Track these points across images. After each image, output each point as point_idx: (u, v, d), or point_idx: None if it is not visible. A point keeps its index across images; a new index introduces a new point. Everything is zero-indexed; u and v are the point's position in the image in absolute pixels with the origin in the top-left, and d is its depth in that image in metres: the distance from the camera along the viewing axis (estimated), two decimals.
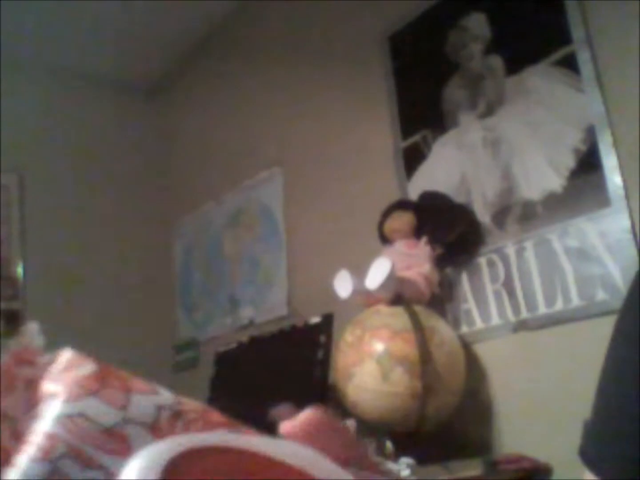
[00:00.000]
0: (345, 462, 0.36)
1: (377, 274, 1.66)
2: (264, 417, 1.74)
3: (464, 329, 1.84)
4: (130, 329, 3.00)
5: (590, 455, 0.54)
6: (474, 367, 1.78)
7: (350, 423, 1.56)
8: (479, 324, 1.82)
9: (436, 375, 1.61)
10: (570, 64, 1.67)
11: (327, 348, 1.85)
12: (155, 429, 0.40)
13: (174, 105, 3.29)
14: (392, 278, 1.66)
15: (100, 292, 3.01)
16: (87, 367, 0.42)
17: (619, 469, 0.51)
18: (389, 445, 1.53)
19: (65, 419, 0.41)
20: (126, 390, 0.41)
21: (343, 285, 1.73)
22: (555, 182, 1.68)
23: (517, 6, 1.81)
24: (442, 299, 1.87)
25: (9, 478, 0.36)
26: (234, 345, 2.33)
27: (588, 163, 1.62)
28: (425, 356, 1.59)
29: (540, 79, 1.74)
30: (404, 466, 1.41)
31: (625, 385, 0.53)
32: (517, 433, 1.71)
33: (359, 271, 1.73)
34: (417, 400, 1.58)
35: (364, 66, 2.25)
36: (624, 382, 0.54)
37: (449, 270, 1.88)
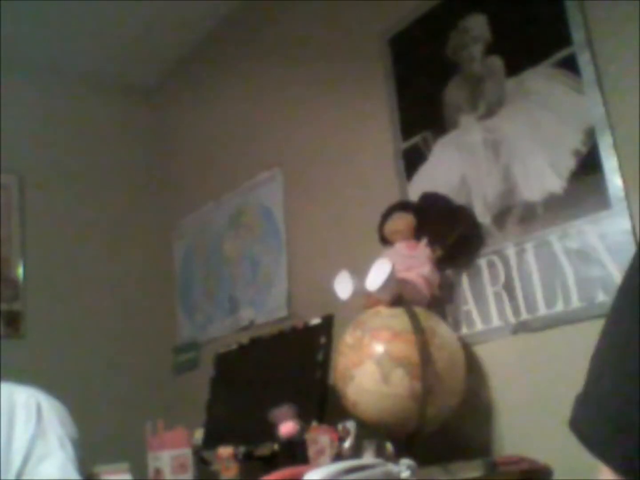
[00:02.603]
0: None
1: (377, 275, 1.66)
2: (264, 419, 1.74)
3: (464, 330, 1.84)
4: (130, 331, 3.00)
5: (582, 426, 0.54)
6: (474, 368, 1.78)
7: (350, 424, 1.56)
8: (479, 325, 1.82)
9: (436, 377, 1.61)
10: (570, 65, 1.67)
11: (327, 349, 1.85)
12: None
13: (174, 105, 3.29)
14: (392, 279, 1.66)
15: (100, 293, 3.01)
16: None
17: (615, 443, 0.51)
18: (389, 446, 1.52)
19: None
20: None
21: (343, 286, 1.73)
22: (555, 183, 1.69)
23: (518, 8, 1.81)
24: (442, 300, 1.87)
25: None
26: (234, 346, 2.33)
27: (588, 165, 1.62)
28: (425, 358, 1.59)
29: (540, 80, 1.74)
30: (404, 467, 1.41)
31: (624, 358, 0.53)
32: (517, 434, 1.71)
33: (359, 272, 1.73)
34: (417, 401, 1.58)
35: (365, 67, 2.25)
36: (622, 351, 0.54)
37: (449, 271, 1.88)
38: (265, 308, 2.56)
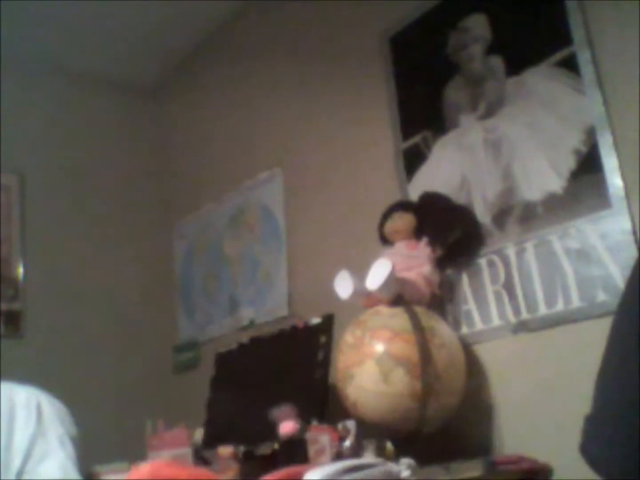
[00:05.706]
0: None
1: (377, 274, 1.67)
2: (264, 418, 1.74)
3: (464, 329, 1.84)
4: (130, 330, 3.00)
5: (592, 452, 0.54)
6: (474, 368, 1.78)
7: (351, 424, 1.56)
8: (479, 325, 1.82)
9: (436, 376, 1.61)
10: (570, 65, 1.68)
11: (328, 349, 1.85)
12: None
13: (174, 105, 3.29)
14: (392, 279, 1.66)
15: (101, 292, 3.00)
16: None
17: (622, 468, 0.51)
18: (389, 446, 1.53)
19: None
20: None
21: (343, 285, 1.73)
22: (555, 183, 1.69)
23: (518, 7, 1.81)
24: (442, 300, 1.87)
25: None
26: (234, 346, 2.33)
27: (588, 164, 1.62)
28: (425, 357, 1.59)
29: (540, 80, 1.75)
30: (404, 467, 1.41)
31: (627, 379, 0.53)
32: (517, 434, 1.71)
33: (360, 272, 1.73)
34: (417, 401, 1.58)
35: (365, 67, 2.25)
36: (626, 377, 0.54)
37: (449, 271, 1.88)
38: (265, 308, 2.56)
